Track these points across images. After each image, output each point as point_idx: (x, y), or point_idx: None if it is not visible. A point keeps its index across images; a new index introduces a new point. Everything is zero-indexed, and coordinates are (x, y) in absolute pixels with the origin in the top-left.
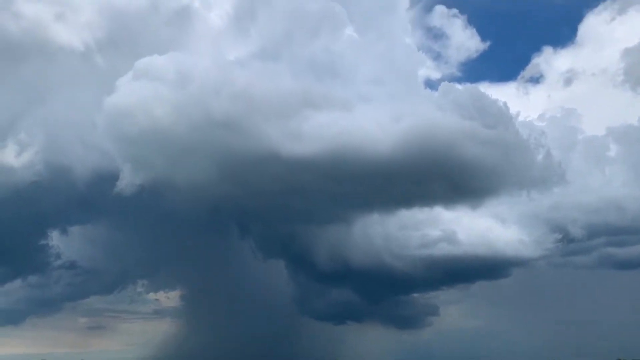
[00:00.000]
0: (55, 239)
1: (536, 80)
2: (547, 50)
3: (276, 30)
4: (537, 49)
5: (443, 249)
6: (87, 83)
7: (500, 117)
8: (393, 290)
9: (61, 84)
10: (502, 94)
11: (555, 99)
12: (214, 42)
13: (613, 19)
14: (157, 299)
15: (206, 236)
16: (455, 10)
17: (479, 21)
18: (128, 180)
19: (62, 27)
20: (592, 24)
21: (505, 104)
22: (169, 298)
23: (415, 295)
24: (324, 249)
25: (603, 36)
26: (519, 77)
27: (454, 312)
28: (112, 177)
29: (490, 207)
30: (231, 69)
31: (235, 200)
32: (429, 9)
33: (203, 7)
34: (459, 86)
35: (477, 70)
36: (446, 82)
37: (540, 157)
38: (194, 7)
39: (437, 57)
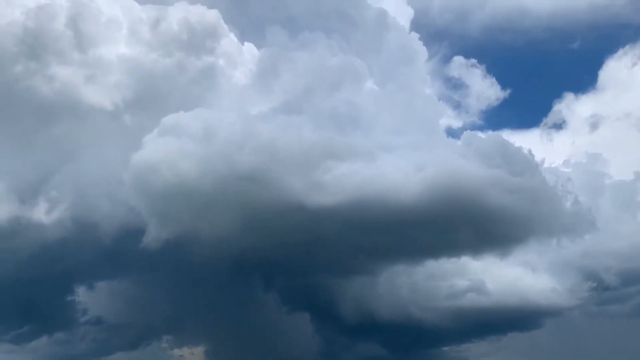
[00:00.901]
0: (81, 294)
1: (559, 126)
2: (569, 97)
3: (298, 85)
4: (558, 95)
5: (472, 300)
6: (115, 141)
7: (526, 164)
8: (422, 344)
9: (90, 142)
10: (525, 140)
11: (580, 144)
12: (238, 98)
13: (634, 64)
14: (181, 355)
15: (230, 289)
16: (473, 60)
17: (498, 70)
18: (154, 235)
19: (93, 88)
20: (613, 69)
21: (530, 151)
22: (194, 354)
23: (445, 348)
24: (350, 301)
25: (624, 81)
26: (541, 123)
27: None
28: (138, 232)
29: (519, 255)
30: (255, 123)
31: (259, 252)
32: (447, 60)
33: (228, 66)
34: (481, 134)
35: (498, 118)
36: (468, 131)
37: (568, 204)
38: (219, 65)
39: (458, 106)
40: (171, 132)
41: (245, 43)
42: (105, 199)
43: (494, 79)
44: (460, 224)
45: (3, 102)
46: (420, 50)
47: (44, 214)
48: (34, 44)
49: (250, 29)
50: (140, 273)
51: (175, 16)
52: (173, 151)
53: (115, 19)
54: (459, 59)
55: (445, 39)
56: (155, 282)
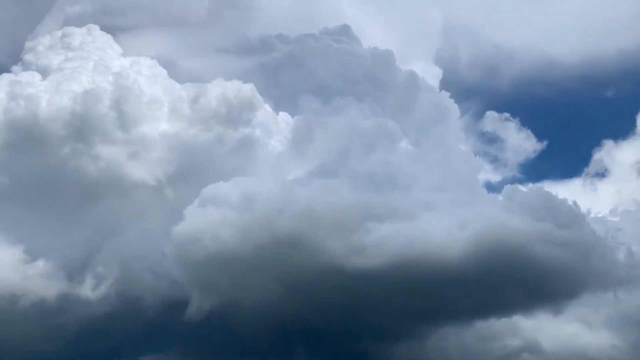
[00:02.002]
0: None
1: (602, 174)
2: (608, 144)
3: (332, 148)
4: (597, 143)
5: None
6: (158, 214)
7: (572, 216)
8: None
9: (134, 217)
10: (568, 191)
11: (626, 192)
12: (275, 165)
13: None
14: None
15: (273, 358)
16: (506, 114)
17: (533, 122)
18: (197, 306)
19: (136, 164)
20: None
21: (575, 202)
22: None
23: None
24: None
25: None
26: (583, 173)
27: None
28: (181, 304)
29: (574, 311)
30: (292, 189)
31: (302, 318)
32: (480, 115)
33: (264, 135)
34: (522, 187)
35: (537, 170)
36: (509, 185)
37: (621, 255)
38: (255, 135)
39: (495, 160)
40: (211, 202)
41: (280, 112)
42: (148, 272)
43: (529, 131)
44: (508, 281)
45: (52, 183)
46: (452, 108)
47: (90, 290)
48: (81, 127)
49: (283, 99)
50: (185, 345)
51: (213, 92)
52: (213, 221)
53: (156, 99)
54: (491, 114)
55: (475, 95)
56: (200, 354)
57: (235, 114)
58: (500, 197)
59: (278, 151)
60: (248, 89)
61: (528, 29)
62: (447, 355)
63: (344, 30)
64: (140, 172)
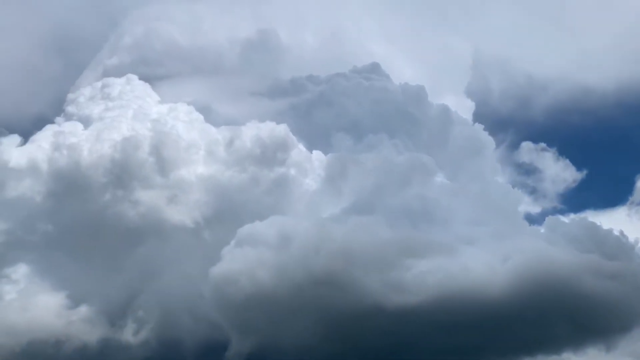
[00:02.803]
0: None
1: None
2: None
3: (367, 185)
4: (639, 170)
5: None
6: (196, 256)
7: (620, 246)
8: None
9: (173, 260)
10: (612, 221)
11: None
12: (310, 203)
13: None
14: None
15: None
16: (542, 144)
17: (570, 151)
18: (236, 349)
19: (175, 208)
20: None
21: (621, 232)
22: None
23: None
24: None
25: None
26: (628, 202)
27: None
28: (221, 347)
29: (627, 347)
30: (328, 227)
31: (342, 357)
32: (515, 146)
33: (298, 174)
34: (564, 218)
35: (578, 200)
36: (551, 216)
37: None
38: (290, 174)
39: (533, 191)
40: (247, 242)
41: (314, 151)
42: (188, 315)
43: (567, 161)
44: (556, 316)
45: (94, 229)
46: (487, 140)
47: (131, 334)
48: (121, 174)
49: (316, 138)
50: None
51: (248, 134)
52: (250, 261)
53: (193, 143)
54: (527, 145)
55: (510, 126)
56: None
57: (269, 154)
58: (542, 229)
59: (313, 189)
60: (282, 129)
61: (560, 58)
62: None
63: (374, 68)
64: (179, 215)
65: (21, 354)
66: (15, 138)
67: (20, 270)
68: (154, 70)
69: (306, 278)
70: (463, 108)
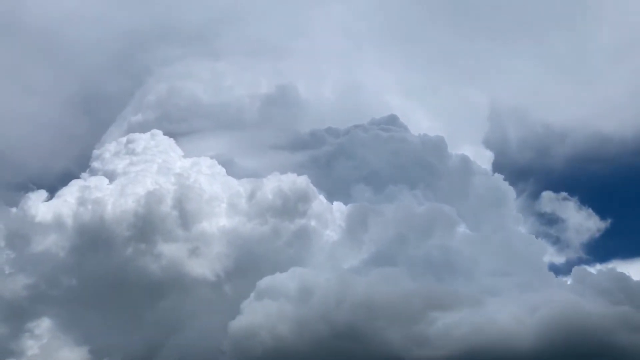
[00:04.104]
0: None
1: None
2: None
3: (388, 236)
4: None
5: None
6: (216, 309)
7: None
8: None
9: (193, 314)
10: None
11: None
12: (331, 254)
13: None
14: None
15: None
16: (564, 194)
17: (593, 200)
18: None
19: (196, 261)
20: None
21: None
22: None
23: None
24: None
25: None
26: None
27: None
28: None
29: None
30: (349, 278)
31: None
32: (536, 196)
33: (319, 225)
34: (590, 269)
35: (604, 249)
36: (577, 267)
37: None
38: (310, 226)
39: (557, 241)
40: (267, 294)
41: (334, 202)
42: None
43: (590, 210)
44: None
45: (116, 283)
46: (507, 190)
47: None
48: (144, 227)
49: (337, 189)
50: None
51: (269, 186)
52: (270, 314)
53: (216, 196)
54: (548, 194)
55: (529, 176)
56: None
57: (290, 206)
58: (569, 280)
59: (333, 240)
60: (302, 181)
61: (578, 107)
62: None
63: (392, 120)
64: (200, 268)
65: None
66: (42, 193)
67: (44, 325)
68: (177, 126)
69: (327, 331)
70: (482, 158)
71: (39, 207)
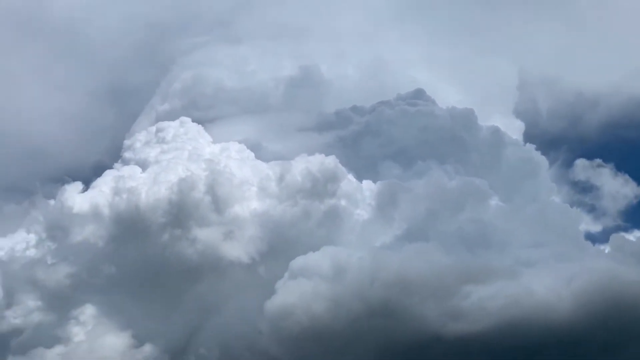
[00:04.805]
0: None
1: None
2: None
3: (419, 212)
4: None
5: None
6: (251, 291)
7: None
8: None
9: (230, 296)
10: None
11: None
12: (362, 233)
13: None
14: None
15: None
16: (598, 161)
17: (629, 166)
18: None
19: (231, 244)
20: None
21: None
22: None
23: None
24: None
25: None
26: None
27: None
28: None
29: None
30: (383, 256)
31: None
32: (569, 165)
33: (349, 205)
34: (629, 236)
35: None
36: (615, 234)
37: None
38: (341, 206)
39: (592, 209)
40: (301, 273)
41: (363, 181)
42: (247, 350)
43: (626, 176)
44: (628, 338)
45: (155, 269)
46: (540, 160)
47: None
48: (178, 214)
49: (365, 168)
50: None
51: (298, 168)
52: (305, 293)
53: (246, 180)
54: (581, 162)
55: (562, 145)
56: None
57: (320, 187)
58: (607, 248)
59: (364, 219)
60: (330, 161)
61: (609, 72)
62: None
63: (419, 94)
64: (235, 251)
65: None
66: (78, 185)
67: (87, 312)
68: (205, 113)
69: (362, 308)
70: (512, 129)
71: (76, 198)
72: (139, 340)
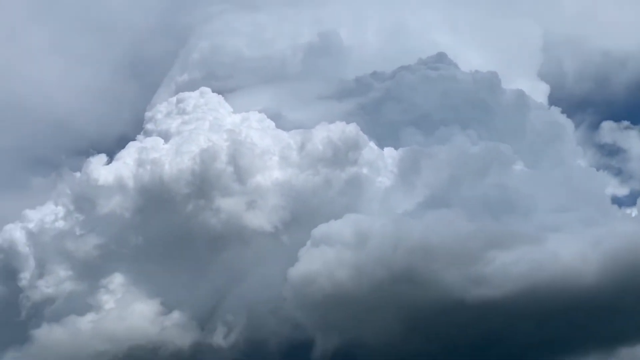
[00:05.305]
0: None
1: None
2: None
3: (442, 178)
4: None
5: None
6: (275, 259)
7: None
8: None
9: (255, 264)
10: None
11: None
12: (384, 201)
13: None
14: None
15: None
16: (625, 123)
17: None
18: (321, 347)
19: (253, 214)
20: None
21: None
22: None
23: None
24: None
25: None
26: None
27: None
28: (305, 346)
29: None
30: (405, 223)
31: (427, 355)
32: (595, 127)
33: (371, 172)
34: None
35: None
36: None
37: None
38: (362, 173)
39: (619, 172)
40: (323, 241)
41: (385, 148)
42: (272, 316)
43: None
44: None
45: (180, 238)
46: (566, 123)
47: (222, 337)
48: (201, 184)
49: (387, 134)
50: None
51: (319, 137)
52: (327, 260)
53: (267, 149)
54: (608, 124)
55: (588, 107)
56: None
57: (341, 155)
58: (634, 212)
59: (386, 186)
60: (351, 129)
61: (638, 30)
62: None
63: (440, 58)
64: (258, 220)
65: None
66: (102, 157)
67: (117, 281)
68: (224, 83)
69: (385, 275)
70: (537, 92)
71: (101, 171)
72: (167, 308)
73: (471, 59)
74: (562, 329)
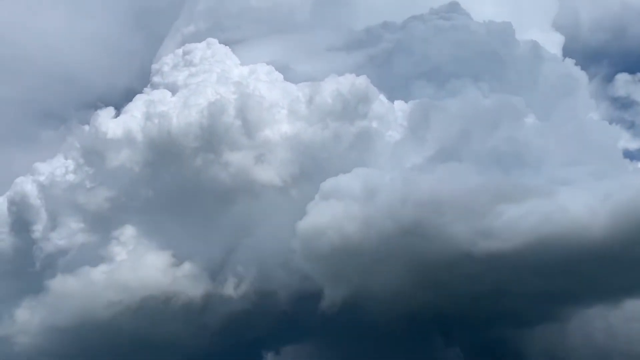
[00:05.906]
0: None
1: None
2: None
3: (452, 131)
4: None
5: None
6: (284, 212)
7: None
8: None
9: (263, 217)
10: None
11: None
12: (394, 154)
13: None
14: None
15: (410, 347)
16: None
17: None
18: (330, 299)
19: (262, 167)
20: None
21: None
22: None
23: None
24: (539, 354)
25: None
26: None
27: None
28: (314, 297)
29: None
30: (414, 176)
31: (435, 306)
32: (609, 80)
33: (381, 126)
34: None
35: None
36: None
37: None
38: (372, 127)
39: (631, 126)
40: (332, 195)
41: (395, 102)
42: (281, 268)
43: None
44: None
45: (190, 192)
46: (579, 75)
47: (232, 289)
48: (210, 138)
49: (397, 87)
50: (322, 335)
51: (328, 90)
52: (336, 213)
53: (276, 103)
54: (622, 76)
55: (603, 59)
56: (336, 344)
57: (350, 108)
58: None
59: (395, 140)
60: (362, 82)
61: None
62: (591, 339)
63: (453, 7)
64: (267, 174)
65: (137, 311)
66: (110, 110)
67: (128, 232)
68: (231, 34)
69: (393, 228)
70: (551, 43)
71: (109, 124)
72: (178, 259)
73: (484, 8)
74: (568, 282)
